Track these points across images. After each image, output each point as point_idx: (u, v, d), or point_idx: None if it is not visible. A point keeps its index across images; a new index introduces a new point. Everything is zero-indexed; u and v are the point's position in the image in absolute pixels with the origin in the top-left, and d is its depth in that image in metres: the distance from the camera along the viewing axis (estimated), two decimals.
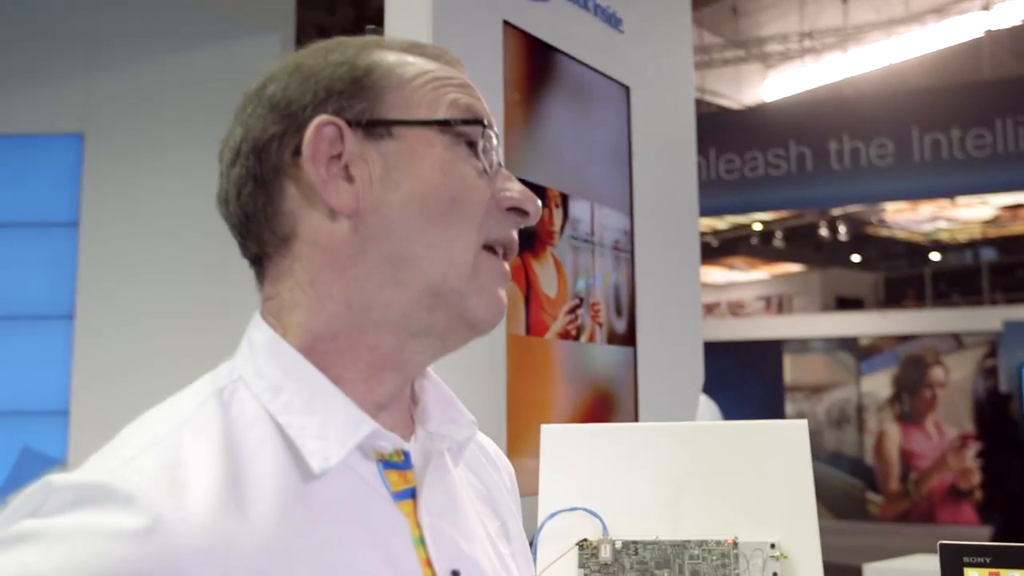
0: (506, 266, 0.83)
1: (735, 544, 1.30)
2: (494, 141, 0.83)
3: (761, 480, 1.35)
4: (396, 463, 0.80)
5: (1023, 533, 6.84)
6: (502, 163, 0.84)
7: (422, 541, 0.77)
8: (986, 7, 9.51)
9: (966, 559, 1.04)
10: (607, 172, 2.17)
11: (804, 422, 1.39)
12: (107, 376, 4.45)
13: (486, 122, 0.82)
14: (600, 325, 2.10)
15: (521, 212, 0.83)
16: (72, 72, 4.64)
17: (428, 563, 0.77)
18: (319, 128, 0.77)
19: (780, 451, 1.37)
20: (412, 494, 0.79)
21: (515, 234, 0.83)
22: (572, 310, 2.00)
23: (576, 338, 2.01)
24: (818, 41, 10.22)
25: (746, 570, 1.27)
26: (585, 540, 1.29)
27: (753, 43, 10.39)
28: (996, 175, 8.71)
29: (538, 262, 1.91)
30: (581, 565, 1.29)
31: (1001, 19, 9.49)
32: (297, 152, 0.77)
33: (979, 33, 9.74)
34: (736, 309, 15.18)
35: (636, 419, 2.17)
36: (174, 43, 4.64)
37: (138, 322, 4.56)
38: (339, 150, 0.77)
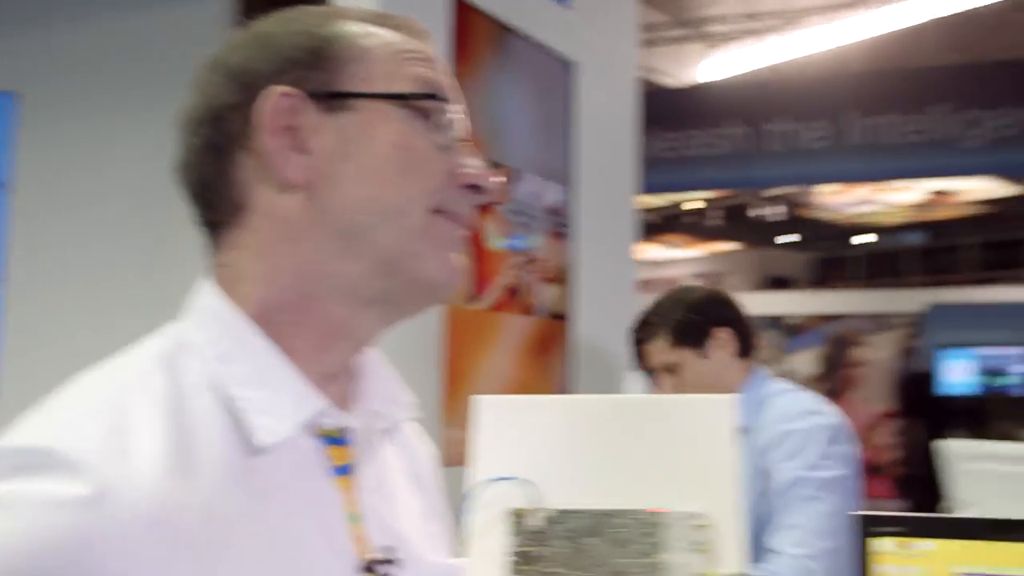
0: (460, 232, 0.82)
1: (660, 514, 1.33)
2: (455, 116, 0.82)
3: (688, 452, 1.38)
4: (336, 439, 0.80)
5: (934, 506, 7.06)
6: (465, 139, 0.83)
7: (358, 517, 0.78)
8: None
9: (875, 528, 1.08)
10: (549, 146, 2.18)
11: (730, 396, 1.42)
12: (40, 341, 4.38)
13: (447, 97, 0.82)
14: (544, 282, 2.12)
15: (479, 189, 0.82)
16: (7, 28, 4.50)
17: (362, 539, 0.78)
18: (273, 98, 0.76)
19: (707, 424, 1.41)
20: (348, 470, 0.80)
21: (472, 210, 0.83)
22: (514, 266, 2.03)
23: (515, 296, 2.03)
24: (760, 23, 10.29)
25: (670, 539, 1.31)
26: (517, 509, 1.32)
27: (696, 22, 10.44)
28: (928, 161, 8.90)
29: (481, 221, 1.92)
30: (514, 533, 1.32)
31: (940, 7, 9.65)
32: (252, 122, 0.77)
33: (919, 20, 9.89)
34: (671, 286, 15.35)
35: (569, 391, 2.21)
36: (115, 2, 4.53)
37: (73, 286, 4.48)
38: (295, 121, 0.77)
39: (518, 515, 1.32)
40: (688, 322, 2.18)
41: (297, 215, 0.76)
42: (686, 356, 2.16)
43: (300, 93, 0.77)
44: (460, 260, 0.81)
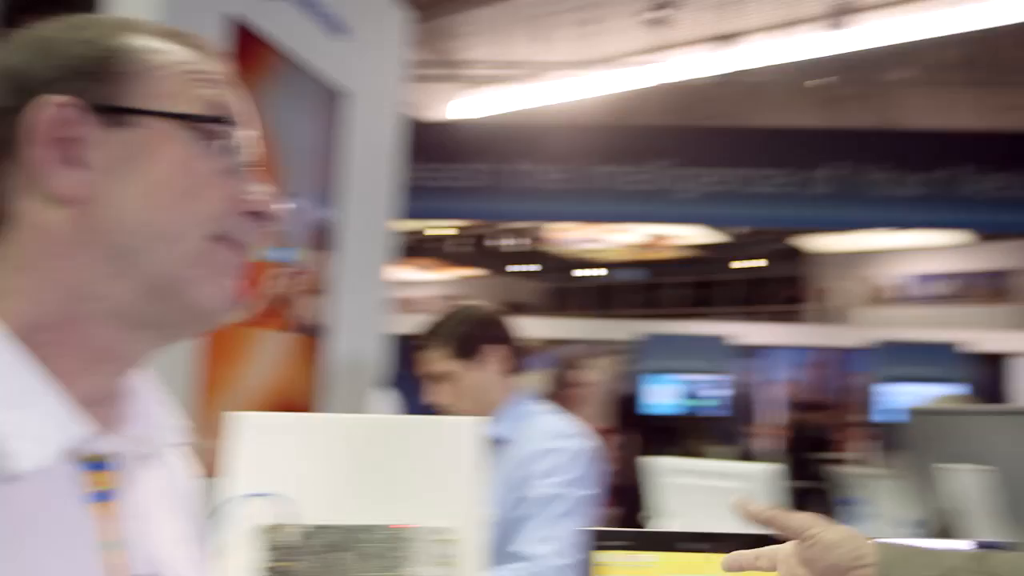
0: (238, 258, 0.76)
1: (407, 529, 1.32)
2: (244, 141, 0.76)
3: (436, 470, 1.39)
4: (97, 463, 0.72)
5: (634, 517, 7.48)
6: (252, 164, 0.78)
7: (116, 544, 0.71)
8: (652, 62, 10.33)
9: (603, 542, 1.11)
10: (318, 166, 2.14)
11: (475, 419, 1.44)
12: None
13: (236, 120, 0.75)
14: (305, 295, 2.07)
15: (262, 216, 0.76)
16: None
17: (120, 566, 0.71)
18: (48, 107, 0.68)
19: (454, 445, 1.42)
20: (109, 496, 0.72)
21: (254, 237, 0.77)
22: (276, 276, 1.98)
23: (276, 307, 1.96)
24: (510, 71, 10.62)
25: (416, 553, 1.31)
26: (270, 525, 1.27)
27: (450, 64, 10.62)
28: (648, 208, 9.49)
29: None
30: (267, 548, 1.27)
31: (663, 76, 10.33)
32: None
33: (646, 85, 10.54)
34: (418, 307, 15.48)
35: (324, 405, 2.16)
36: None
37: None
38: (70, 133, 0.69)
39: (271, 531, 1.28)
40: (468, 337, 2.22)
41: (66, 231, 0.69)
42: (461, 368, 2.19)
43: (79, 104, 0.69)
44: (237, 287, 0.76)
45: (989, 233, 11.95)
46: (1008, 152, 9.18)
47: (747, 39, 9.74)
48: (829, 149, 9.36)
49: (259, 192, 0.77)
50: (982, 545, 0.66)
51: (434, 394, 2.21)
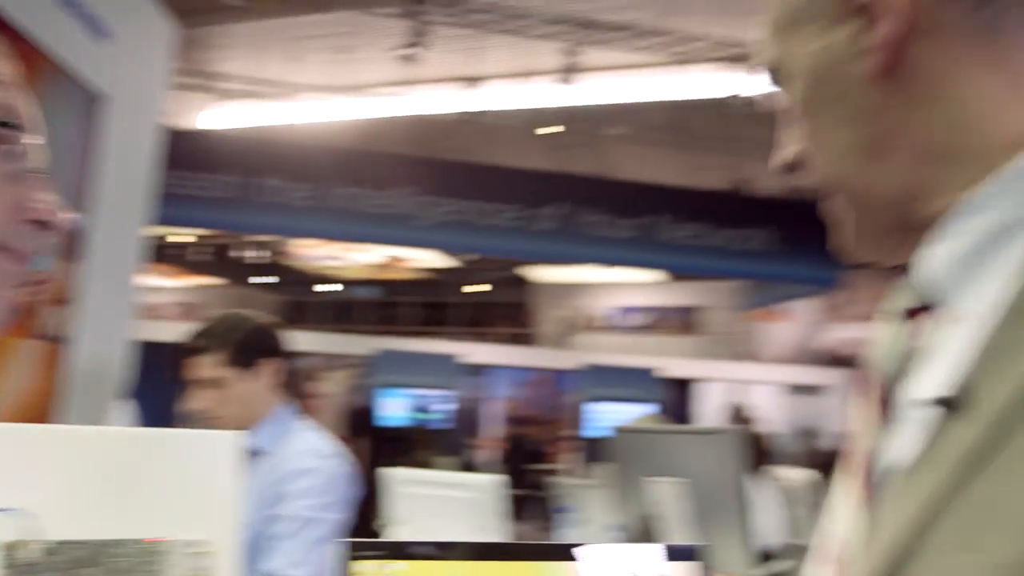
0: (19, 267, 0.70)
1: (160, 543, 1.25)
2: (30, 146, 0.70)
3: (191, 484, 1.32)
4: None
5: (368, 522, 7.44)
6: (39, 170, 0.71)
7: None
8: (401, 94, 10.41)
9: (359, 552, 1.10)
10: (70, 170, 1.97)
11: (234, 433, 1.38)
12: None
13: (22, 125, 0.69)
14: (51, 304, 1.88)
15: (46, 225, 0.70)
16: None
17: None
18: None
19: (210, 458, 1.35)
20: None
21: (35, 246, 0.71)
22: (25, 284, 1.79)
23: (21, 316, 1.78)
24: (263, 87, 10.31)
25: (170, 567, 1.23)
26: (9, 542, 1.14)
27: (203, 74, 10.14)
28: (390, 231, 9.51)
29: None
30: (4, 567, 1.14)
31: (408, 108, 10.44)
32: None
33: (392, 114, 10.60)
34: (154, 313, 14.53)
35: (65, 419, 1.98)
36: None
37: None
38: None
39: (10, 548, 1.15)
40: (244, 345, 2.08)
41: None
42: (233, 376, 2.05)
43: None
44: (13, 296, 0.69)
45: (681, 274, 13.08)
46: (698, 206, 10.10)
47: (488, 83, 10.09)
48: (553, 190, 9.84)
49: (45, 199, 0.70)
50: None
51: (196, 400, 2.07)
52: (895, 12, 0.55)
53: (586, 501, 3.32)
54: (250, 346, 2.10)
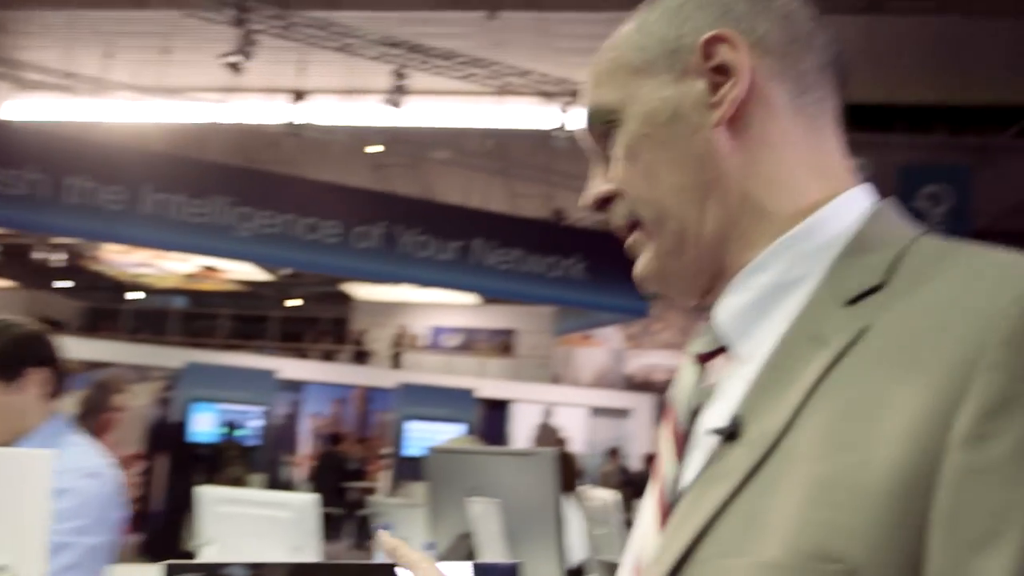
0: None
1: None
2: None
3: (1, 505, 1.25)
4: None
5: (171, 540, 7.09)
6: None
7: None
8: (224, 101, 10.08)
9: (173, 574, 1.10)
10: None
11: (47, 452, 1.33)
12: None
13: None
14: None
15: None
16: None
17: None
18: None
19: (20, 479, 1.29)
20: None
21: None
22: None
23: None
24: (74, 82, 9.67)
25: None
26: None
27: (14, 64, 9.41)
28: (206, 241, 9.11)
29: None
30: None
31: (226, 116, 10.10)
32: None
33: (209, 121, 10.21)
34: None
35: None
36: None
37: None
38: None
39: None
40: (8, 356, 1.91)
41: None
42: None
43: None
44: None
45: (496, 298, 13.34)
46: (516, 233, 10.35)
47: (314, 98, 9.94)
48: (375, 209, 9.78)
49: None
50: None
51: None
52: (743, 78, 0.63)
53: (403, 520, 3.33)
54: (15, 356, 1.94)
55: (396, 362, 14.50)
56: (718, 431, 0.60)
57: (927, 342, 0.51)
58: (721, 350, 0.65)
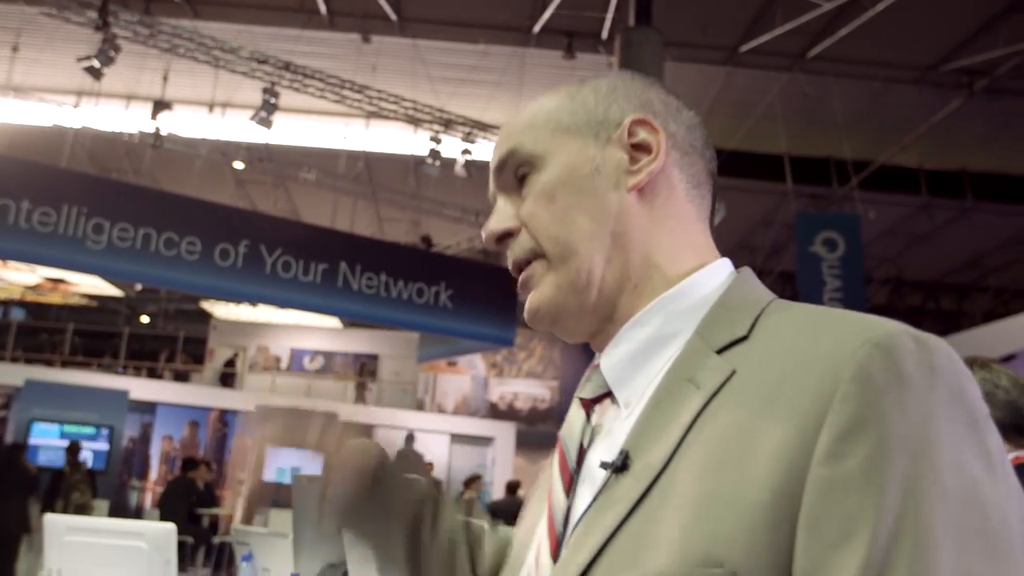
0: None
1: None
2: None
3: None
4: None
5: (6, 570, 6.61)
6: None
7: None
8: (81, 105, 9.58)
9: None
10: None
11: None
12: None
13: None
14: None
15: None
16: None
17: None
18: None
19: None
20: None
21: None
22: None
23: None
24: None
25: None
26: None
27: None
28: (56, 253, 8.59)
29: None
30: None
31: (90, 121, 9.62)
32: None
33: (59, 124, 9.67)
34: None
35: None
36: None
37: None
38: None
39: None
40: None
41: None
42: None
43: None
44: None
45: (358, 321, 13.17)
46: (380, 257, 10.28)
47: (178, 109, 9.59)
48: (237, 226, 9.49)
49: None
50: None
51: None
52: (660, 157, 0.76)
53: (264, 549, 3.23)
54: None
55: (250, 384, 14.05)
56: (607, 465, 0.67)
57: (788, 380, 0.60)
58: (606, 395, 0.73)
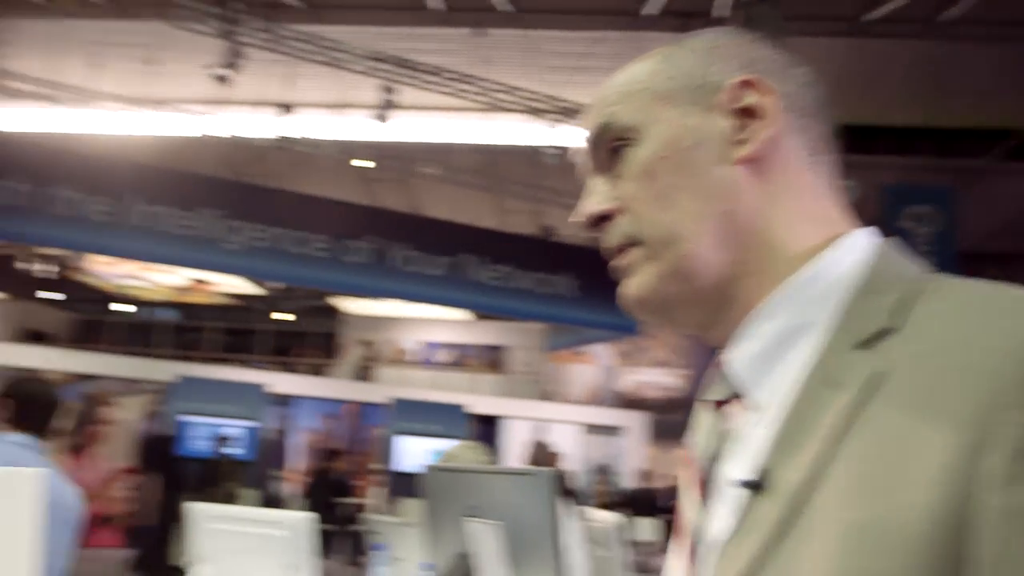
0: None
1: None
2: None
3: None
4: None
5: (162, 556, 6.99)
6: None
7: None
8: (212, 114, 10.00)
9: None
10: None
11: (37, 472, 1.26)
12: None
13: None
14: None
15: None
16: None
17: None
18: None
19: (9, 498, 1.23)
20: None
21: None
22: None
23: None
24: (58, 91, 9.55)
25: None
26: None
27: (5, 74, 9.29)
28: (195, 253, 9.03)
29: None
30: None
31: (217, 129, 10.01)
32: None
33: (199, 133, 10.12)
34: None
35: None
36: None
37: None
38: None
39: None
40: None
41: None
42: None
43: None
44: None
45: (487, 313, 13.28)
46: (505, 249, 10.32)
47: (302, 111, 9.87)
48: (364, 224, 9.74)
49: None
50: None
51: None
52: (774, 121, 0.66)
53: (397, 539, 3.26)
54: None
55: (383, 377, 14.39)
56: (745, 483, 0.60)
57: (946, 384, 0.51)
58: (736, 397, 0.66)
